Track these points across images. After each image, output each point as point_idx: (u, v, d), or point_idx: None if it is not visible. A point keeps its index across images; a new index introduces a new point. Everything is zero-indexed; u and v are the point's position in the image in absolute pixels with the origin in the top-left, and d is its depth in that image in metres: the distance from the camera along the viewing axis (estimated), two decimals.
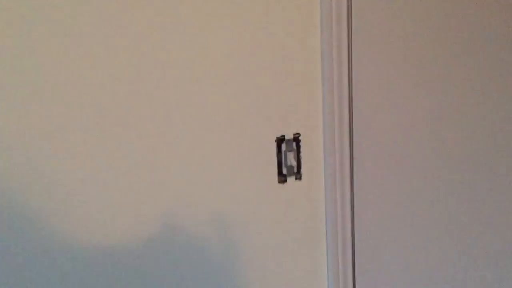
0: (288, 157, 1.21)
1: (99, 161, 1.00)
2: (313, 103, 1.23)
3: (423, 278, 1.45)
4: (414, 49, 1.28)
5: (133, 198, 1.05)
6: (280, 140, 1.20)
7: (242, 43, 1.10)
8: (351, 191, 1.30)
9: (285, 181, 1.22)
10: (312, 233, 1.28)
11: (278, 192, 1.21)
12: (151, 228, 1.07)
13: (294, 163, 1.21)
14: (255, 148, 1.16)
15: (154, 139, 1.04)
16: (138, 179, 1.04)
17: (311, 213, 1.27)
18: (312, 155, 1.25)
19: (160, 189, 1.07)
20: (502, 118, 1.40)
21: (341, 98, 1.24)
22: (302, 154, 1.24)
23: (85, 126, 0.98)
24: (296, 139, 1.23)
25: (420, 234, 1.42)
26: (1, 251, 0.95)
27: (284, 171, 1.22)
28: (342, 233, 1.30)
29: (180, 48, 1.03)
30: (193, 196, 1.11)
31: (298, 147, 1.23)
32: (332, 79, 1.22)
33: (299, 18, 1.15)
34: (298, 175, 1.25)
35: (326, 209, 1.30)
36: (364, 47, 1.24)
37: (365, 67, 1.25)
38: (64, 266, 1.01)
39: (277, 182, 1.21)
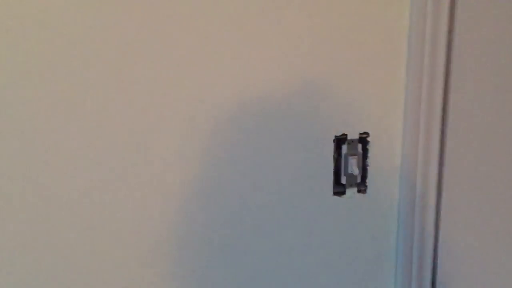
0: (349, 163, 0.92)
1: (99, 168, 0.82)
2: (390, 92, 0.91)
3: None
4: None
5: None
6: (340, 140, 0.91)
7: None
8: (436, 216, 0.97)
9: (343, 193, 0.94)
10: (374, 269, 0.99)
11: (331, 207, 0.93)
12: None
13: (357, 171, 0.92)
14: (304, 149, 0.89)
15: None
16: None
17: (375, 241, 0.97)
18: (384, 162, 0.94)
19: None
20: None
21: (431, 87, 0.90)
22: (369, 160, 0.94)
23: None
24: (363, 140, 0.92)
25: None
26: None
27: (343, 180, 0.93)
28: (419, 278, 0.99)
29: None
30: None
31: (365, 150, 0.93)
32: (421, 61, 0.88)
33: None
34: (362, 186, 0.95)
35: (398, 237, 0.99)
36: (471, 19, 0.87)
37: (471, 47, 0.89)
38: None
39: (331, 193, 0.93)
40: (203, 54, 0.79)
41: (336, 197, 0.93)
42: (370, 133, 0.92)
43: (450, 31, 0.88)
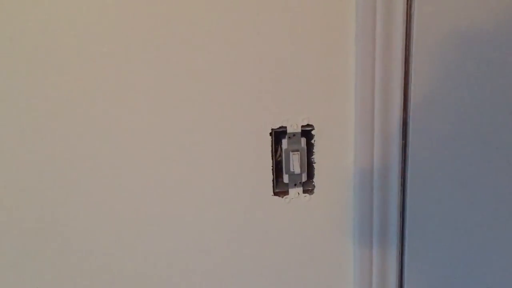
0: (292, 160, 0.79)
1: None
2: (337, 76, 0.77)
3: None
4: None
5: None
6: (278, 134, 0.79)
7: None
8: (400, 221, 0.83)
9: (286, 193, 0.82)
10: (328, 285, 0.87)
11: (272, 210, 0.82)
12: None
13: (298, 169, 0.79)
14: (237, 144, 0.77)
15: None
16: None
17: (325, 250, 0.85)
18: (334, 159, 0.81)
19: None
20: None
21: (388, 66, 0.75)
22: (315, 157, 0.81)
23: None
24: (307, 133, 0.79)
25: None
26: None
27: (285, 179, 0.81)
28: None
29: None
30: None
31: (310, 145, 0.80)
32: (373, 33, 0.73)
33: None
34: (308, 186, 0.83)
35: (354, 247, 0.86)
36: None
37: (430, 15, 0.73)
38: None
39: (271, 194, 0.81)
40: None
41: (277, 198, 0.81)
42: (315, 125, 0.78)
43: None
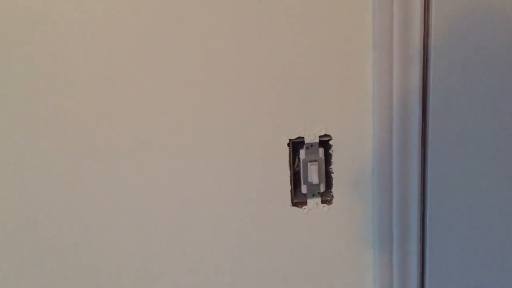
0: (310, 170, 0.79)
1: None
2: (355, 86, 0.76)
3: None
4: None
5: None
6: (296, 145, 0.78)
7: None
8: (420, 231, 0.82)
9: (304, 203, 0.81)
10: None
11: (290, 221, 0.81)
12: None
13: (316, 180, 0.78)
14: (255, 155, 0.77)
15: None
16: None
17: (345, 260, 0.84)
18: (352, 169, 0.80)
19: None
20: None
21: (406, 74, 0.75)
22: (333, 167, 0.80)
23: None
24: (325, 143, 0.79)
25: None
26: None
27: (304, 189, 0.81)
28: None
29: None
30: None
31: (328, 156, 0.80)
32: (389, 43, 0.73)
33: None
34: (327, 196, 0.82)
35: (374, 258, 0.85)
36: None
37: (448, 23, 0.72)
38: None
39: (290, 204, 0.81)
40: None
41: (295, 209, 0.81)
42: (333, 135, 0.78)
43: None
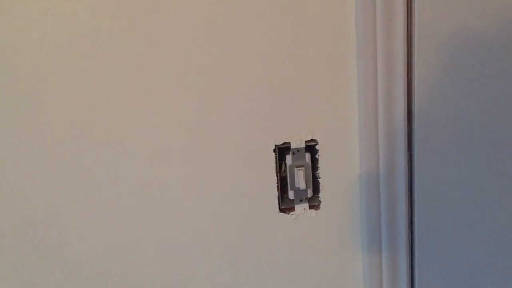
0: (297, 176, 0.78)
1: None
2: (340, 89, 0.76)
3: None
4: None
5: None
6: (282, 150, 0.78)
7: None
8: (409, 236, 0.82)
9: (292, 209, 0.81)
10: None
11: (278, 227, 0.81)
12: None
13: (303, 185, 0.78)
14: (241, 161, 0.76)
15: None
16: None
17: (334, 265, 0.84)
18: (339, 173, 0.80)
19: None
20: None
21: (390, 77, 0.75)
22: (320, 172, 0.80)
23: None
24: (311, 148, 0.79)
25: None
26: None
27: (291, 195, 0.80)
28: None
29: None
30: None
31: (314, 160, 0.79)
32: (373, 47, 0.73)
33: None
34: (314, 201, 0.82)
35: (363, 257, 0.85)
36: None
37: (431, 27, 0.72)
38: None
39: (277, 210, 0.80)
40: None
41: (283, 215, 0.80)
42: (319, 140, 0.78)
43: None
